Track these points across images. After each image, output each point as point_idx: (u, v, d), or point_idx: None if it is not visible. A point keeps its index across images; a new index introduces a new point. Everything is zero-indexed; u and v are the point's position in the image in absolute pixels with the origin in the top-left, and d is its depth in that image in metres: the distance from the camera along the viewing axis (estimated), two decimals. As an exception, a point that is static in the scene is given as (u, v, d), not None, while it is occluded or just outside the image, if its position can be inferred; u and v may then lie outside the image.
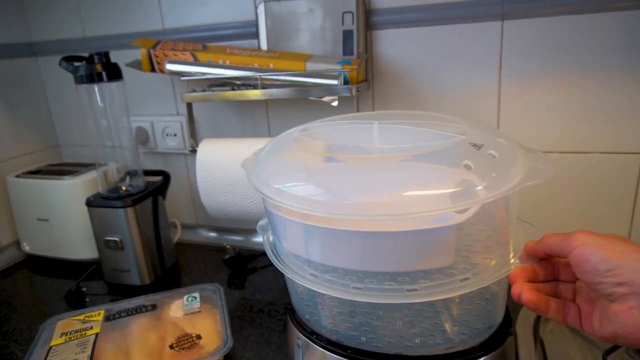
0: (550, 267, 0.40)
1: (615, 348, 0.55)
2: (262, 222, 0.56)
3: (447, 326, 0.46)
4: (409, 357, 0.44)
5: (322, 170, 0.43)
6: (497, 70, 0.69)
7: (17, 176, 0.89)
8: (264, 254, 0.86)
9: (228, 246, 0.84)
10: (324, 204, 0.39)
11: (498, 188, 0.37)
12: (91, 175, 0.86)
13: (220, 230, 0.97)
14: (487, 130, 0.45)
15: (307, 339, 0.50)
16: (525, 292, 0.37)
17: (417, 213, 0.35)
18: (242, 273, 0.83)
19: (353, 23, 0.71)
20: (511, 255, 0.42)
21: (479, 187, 0.36)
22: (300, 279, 0.44)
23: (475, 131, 0.42)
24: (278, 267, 0.46)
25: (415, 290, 0.39)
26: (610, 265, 0.32)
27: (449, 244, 0.40)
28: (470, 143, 0.39)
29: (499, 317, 0.48)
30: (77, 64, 0.73)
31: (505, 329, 0.48)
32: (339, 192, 0.39)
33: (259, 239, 0.93)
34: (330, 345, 0.48)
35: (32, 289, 0.84)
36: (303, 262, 0.46)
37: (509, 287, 0.39)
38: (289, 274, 0.44)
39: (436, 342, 0.45)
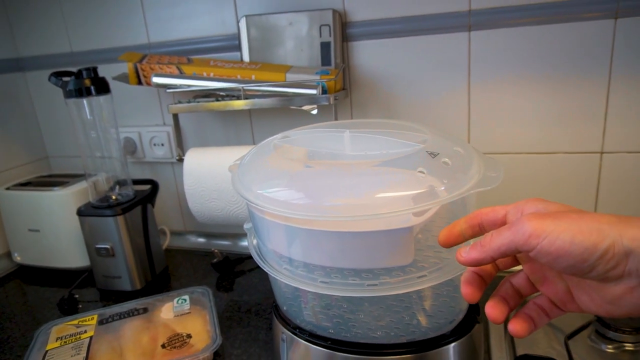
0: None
1: (576, 332, 0.60)
2: (248, 224, 0.60)
3: (413, 319, 0.50)
4: (381, 345, 0.48)
5: (297, 176, 0.47)
6: (466, 78, 0.74)
7: (8, 189, 0.91)
8: (250, 257, 0.90)
9: (216, 250, 0.87)
10: (298, 206, 0.43)
11: (451, 193, 0.41)
12: (81, 185, 0.89)
13: (208, 235, 1.00)
14: (447, 139, 0.49)
15: (291, 334, 0.53)
16: (515, 323, 0.33)
17: (376, 215, 0.39)
18: (230, 276, 0.86)
19: (330, 35, 0.75)
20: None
21: (438, 191, 0.41)
22: (275, 272, 0.48)
23: (436, 139, 0.47)
24: (256, 261, 0.50)
25: (376, 285, 0.43)
26: (599, 252, 0.26)
27: (408, 244, 0.44)
28: (427, 152, 0.43)
29: (462, 314, 0.52)
30: (66, 79, 0.75)
31: (472, 318, 0.52)
32: (311, 196, 0.43)
33: (246, 242, 0.96)
34: (313, 337, 0.51)
35: (24, 299, 0.86)
36: (279, 258, 0.49)
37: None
38: (265, 268, 0.48)
39: (399, 334, 0.49)
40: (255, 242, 0.56)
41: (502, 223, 0.33)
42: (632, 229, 0.27)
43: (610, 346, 0.59)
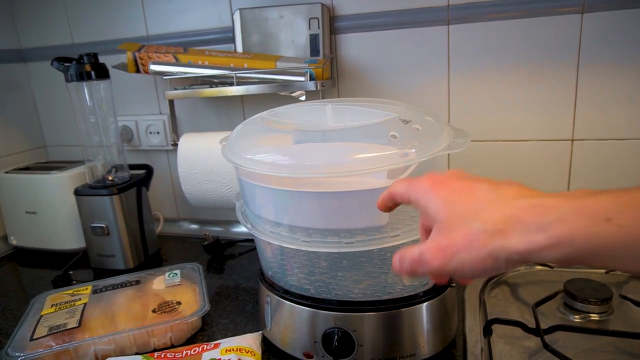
0: None
1: (544, 301, 0.63)
2: (239, 201, 0.63)
3: (388, 281, 0.54)
4: (359, 302, 0.52)
5: (282, 143, 0.51)
6: (446, 69, 0.78)
7: (7, 172, 0.94)
8: (240, 241, 0.93)
9: (207, 233, 0.90)
10: (282, 166, 0.46)
11: (421, 155, 0.45)
12: (78, 170, 0.92)
13: (201, 222, 1.03)
14: (420, 111, 0.54)
15: (275, 295, 0.57)
16: None
17: (352, 171, 0.43)
18: (221, 258, 0.89)
19: (319, 28, 0.80)
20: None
21: (410, 153, 0.45)
22: (260, 234, 0.51)
23: (409, 111, 0.51)
24: (243, 225, 0.54)
25: (352, 243, 0.47)
26: (502, 269, 0.31)
27: None
28: (400, 119, 0.47)
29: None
30: (67, 64, 0.79)
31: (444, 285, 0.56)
32: (293, 158, 0.47)
33: (237, 229, 0.99)
34: (295, 297, 0.55)
35: (19, 278, 0.89)
36: (265, 223, 0.53)
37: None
38: (252, 230, 0.52)
39: (376, 294, 0.53)
40: (243, 210, 0.59)
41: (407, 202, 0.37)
42: (512, 237, 0.29)
43: (577, 317, 0.63)
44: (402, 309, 0.52)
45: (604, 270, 0.72)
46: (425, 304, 0.53)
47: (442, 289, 0.55)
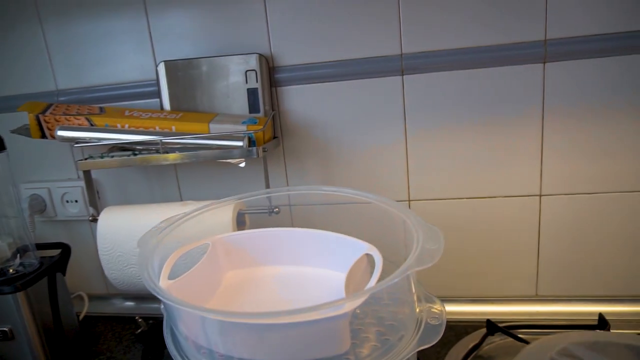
0: None
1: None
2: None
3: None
4: None
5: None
6: (402, 123, 0.71)
7: None
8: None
9: (139, 319, 0.77)
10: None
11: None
12: (-24, 254, 0.76)
13: (136, 298, 0.89)
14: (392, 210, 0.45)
15: None
16: None
17: (302, 310, 0.33)
18: (158, 347, 0.76)
19: (257, 81, 0.70)
20: (413, 332, 0.42)
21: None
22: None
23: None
24: (171, 353, 0.43)
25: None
26: None
27: (342, 331, 0.38)
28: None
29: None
30: (-52, 136, 0.65)
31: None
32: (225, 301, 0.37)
33: (178, 304, 0.87)
34: None
35: None
36: (196, 349, 0.42)
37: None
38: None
39: None
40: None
41: None
42: None
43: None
44: None
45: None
46: None
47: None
